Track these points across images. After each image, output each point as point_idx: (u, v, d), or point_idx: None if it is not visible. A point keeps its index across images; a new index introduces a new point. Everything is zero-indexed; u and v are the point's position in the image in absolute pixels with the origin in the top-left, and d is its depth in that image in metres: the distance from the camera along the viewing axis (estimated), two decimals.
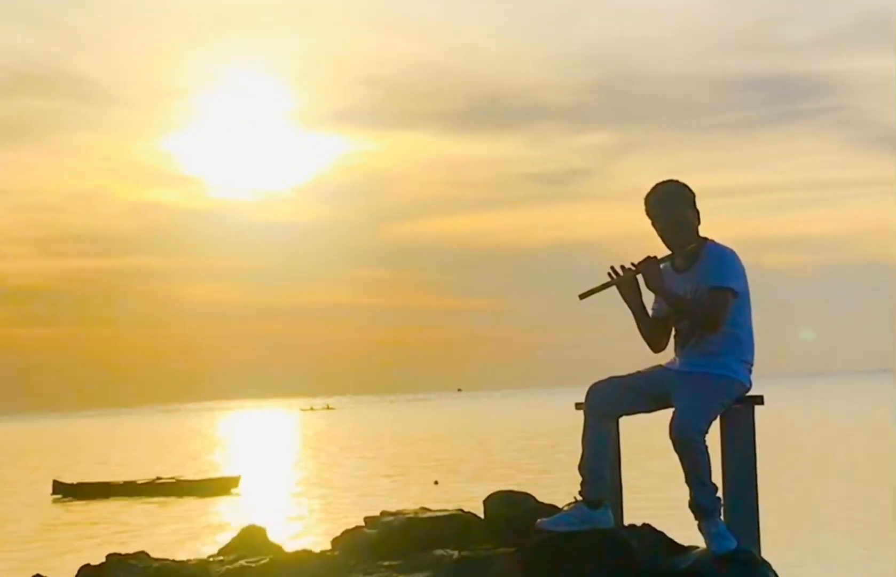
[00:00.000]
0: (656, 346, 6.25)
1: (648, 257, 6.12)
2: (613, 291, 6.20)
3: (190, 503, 27.37)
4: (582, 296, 6.21)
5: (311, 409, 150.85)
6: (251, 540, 7.04)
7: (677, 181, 6.20)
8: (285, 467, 41.06)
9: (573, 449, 6.25)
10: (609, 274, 6.17)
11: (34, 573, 7.09)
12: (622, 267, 6.16)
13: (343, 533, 6.81)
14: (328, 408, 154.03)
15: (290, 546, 7.33)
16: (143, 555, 7.18)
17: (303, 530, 20.68)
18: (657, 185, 6.20)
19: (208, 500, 28.04)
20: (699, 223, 6.18)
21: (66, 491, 30.64)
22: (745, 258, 6.14)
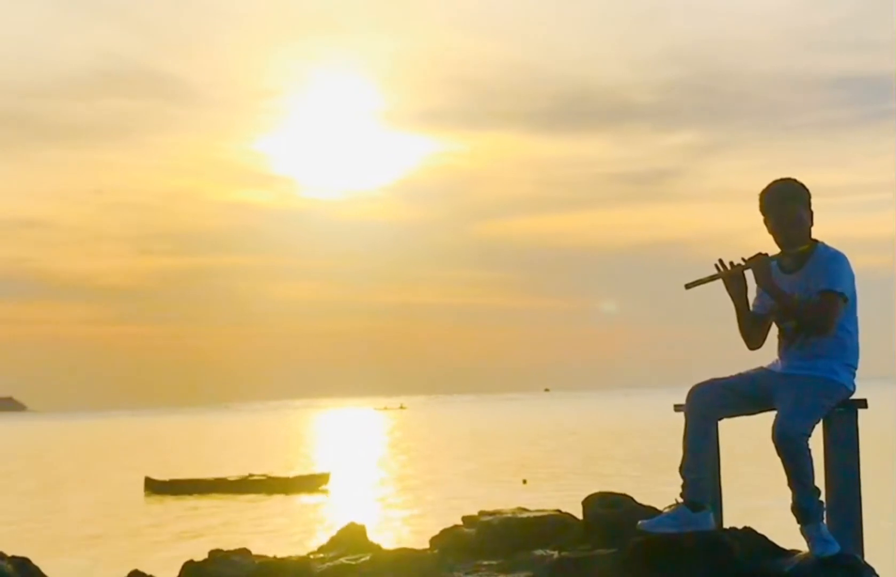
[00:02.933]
0: (753, 344, 6.22)
1: (760, 254, 6.09)
2: (716, 288, 6.17)
3: (281, 500, 27.65)
4: (688, 286, 6.19)
5: (385, 409, 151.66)
6: (351, 538, 7.10)
7: (794, 180, 6.15)
8: (372, 464, 41.28)
9: (670, 451, 6.23)
10: (716, 267, 6.14)
11: (131, 569, 7.21)
12: (731, 262, 6.14)
13: (441, 532, 6.85)
14: (402, 408, 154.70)
15: (387, 544, 7.39)
16: (244, 552, 7.28)
17: (398, 527, 20.78)
18: (774, 181, 6.16)
19: (299, 497, 28.30)
20: (812, 224, 6.13)
21: (158, 488, 31.09)
22: None
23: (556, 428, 67.53)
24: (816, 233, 6.13)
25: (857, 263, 6.15)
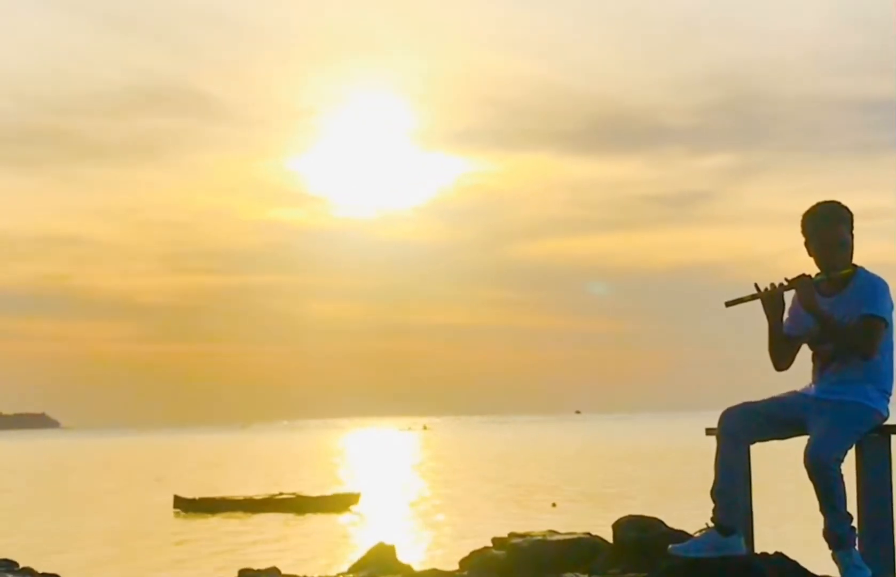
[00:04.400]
0: (782, 365, 6.19)
1: (803, 275, 6.06)
2: (748, 310, 6.15)
3: (311, 520, 27.65)
4: (728, 304, 6.17)
5: (409, 429, 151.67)
6: (381, 558, 7.12)
7: (838, 202, 6.13)
8: (402, 485, 41.24)
9: (701, 474, 6.21)
10: (756, 286, 6.12)
11: None
12: (771, 284, 6.11)
13: (471, 554, 6.85)
14: (425, 428, 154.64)
15: (417, 565, 7.38)
16: (274, 571, 7.31)
17: (427, 548, 20.76)
18: (818, 203, 6.14)
19: (329, 516, 28.29)
20: (853, 248, 6.10)
21: (187, 506, 31.12)
22: None
23: (587, 450, 67.33)
24: (856, 257, 6.11)
25: (893, 287, 6.12)
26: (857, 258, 6.11)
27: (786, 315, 6.19)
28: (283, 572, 7.59)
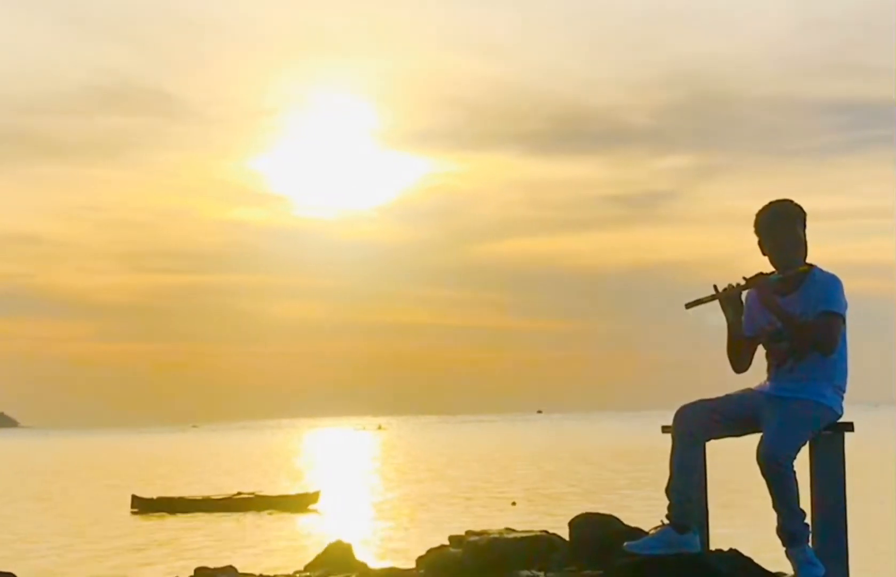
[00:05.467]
0: (741, 366, 6.22)
1: (760, 273, 6.10)
2: (707, 310, 6.18)
3: (270, 519, 27.55)
4: (688, 305, 6.20)
5: (364, 429, 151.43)
6: (337, 556, 7.11)
7: (791, 201, 6.16)
8: (362, 484, 41.20)
9: (658, 472, 6.23)
10: (715, 288, 6.15)
11: None
12: (729, 285, 6.14)
13: (428, 552, 6.85)
14: (380, 428, 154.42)
15: (373, 563, 7.37)
16: (230, 569, 7.28)
17: (384, 547, 20.74)
18: (771, 202, 6.17)
19: (288, 515, 28.21)
20: (807, 246, 6.13)
21: (144, 506, 30.92)
22: None
23: (548, 450, 67.45)
24: (814, 257, 6.15)
25: (852, 288, 6.17)
26: (819, 259, 6.15)
27: (743, 316, 6.21)
28: (240, 570, 7.55)
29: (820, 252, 6.22)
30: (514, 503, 29.52)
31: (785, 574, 5.95)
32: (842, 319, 5.99)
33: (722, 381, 6.27)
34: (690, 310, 6.20)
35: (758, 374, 6.24)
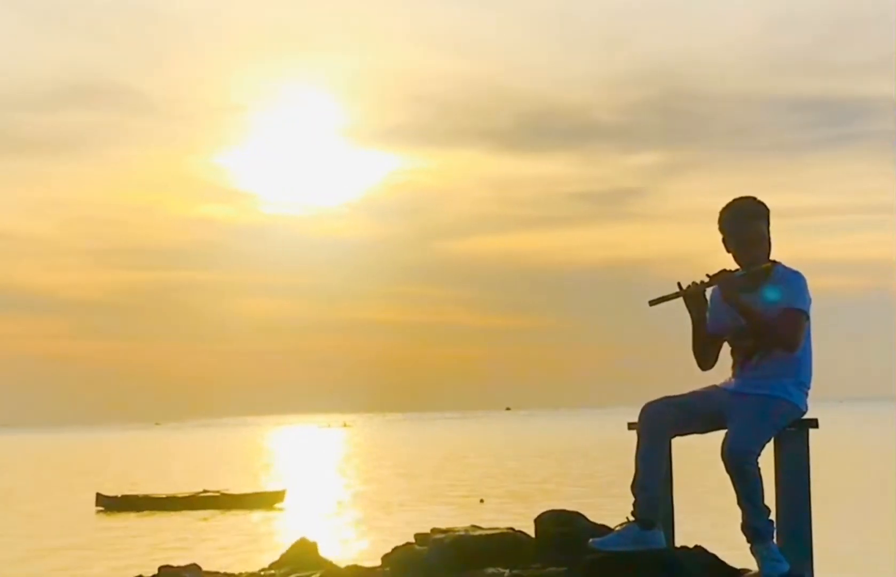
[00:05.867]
0: (706, 364, 6.23)
1: (724, 270, 6.10)
2: (673, 307, 6.18)
3: (235, 517, 27.48)
4: (652, 303, 6.20)
5: (329, 426, 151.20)
6: (302, 554, 7.07)
7: (754, 198, 6.17)
8: (328, 482, 41.14)
9: (625, 469, 6.23)
10: (679, 285, 6.15)
11: None
12: (693, 282, 6.14)
13: (393, 550, 6.82)
14: (345, 425, 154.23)
15: (339, 561, 7.34)
16: (194, 568, 7.23)
17: (351, 545, 20.71)
18: (734, 199, 6.18)
19: (254, 513, 28.15)
20: (771, 243, 6.14)
21: (109, 504, 30.78)
22: None
23: (516, 447, 67.56)
24: (781, 254, 6.16)
25: (819, 285, 6.17)
26: (788, 256, 6.16)
27: (707, 314, 6.21)
28: (205, 569, 7.50)
29: (789, 249, 6.23)
30: (481, 501, 29.56)
31: (750, 571, 5.96)
32: (805, 315, 6.00)
33: (688, 378, 6.28)
34: (654, 307, 6.20)
35: (724, 371, 6.25)
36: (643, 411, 6.08)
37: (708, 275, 6.13)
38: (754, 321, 6.00)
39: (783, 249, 6.18)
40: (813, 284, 6.08)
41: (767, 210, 6.16)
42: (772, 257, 6.14)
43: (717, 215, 6.21)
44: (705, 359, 6.23)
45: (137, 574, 7.02)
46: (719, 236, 6.19)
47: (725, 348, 6.24)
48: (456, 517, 21.97)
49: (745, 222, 6.10)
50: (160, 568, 7.33)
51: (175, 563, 7.63)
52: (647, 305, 6.20)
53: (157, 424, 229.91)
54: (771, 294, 6.02)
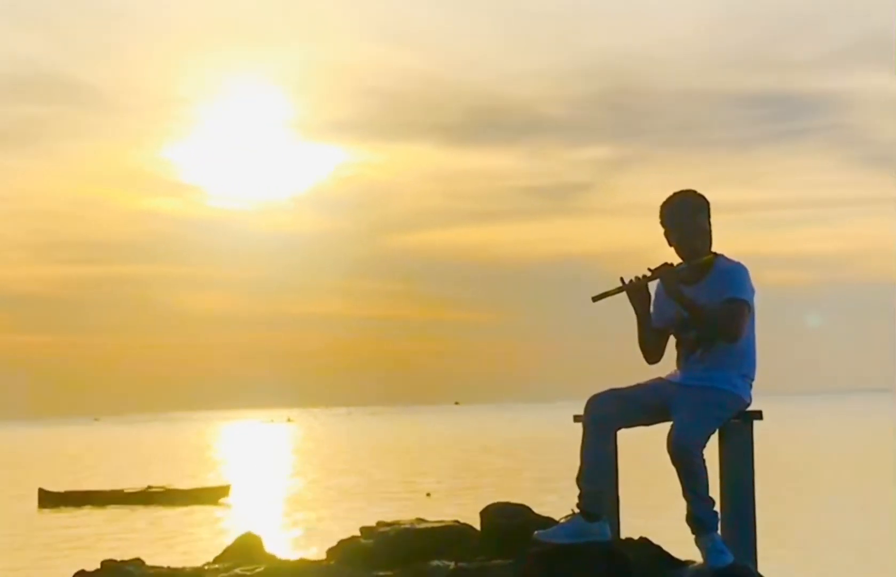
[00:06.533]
0: (653, 357, 6.25)
1: (665, 264, 6.12)
2: (619, 300, 6.20)
3: (181, 512, 27.32)
4: (595, 298, 6.22)
5: (272, 421, 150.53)
6: (246, 548, 7.00)
7: (695, 191, 6.20)
8: (275, 477, 41.00)
9: (571, 462, 6.23)
10: (622, 280, 6.17)
11: None
12: (636, 276, 6.16)
13: (339, 543, 6.78)
14: (289, 420, 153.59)
15: (284, 556, 7.29)
16: (138, 562, 7.15)
17: (297, 539, 20.65)
18: (675, 193, 6.20)
19: (199, 508, 27.99)
20: (712, 235, 6.17)
21: (52, 500, 30.47)
22: None
23: (464, 441, 67.66)
24: (729, 248, 6.19)
25: (767, 278, 6.21)
26: (734, 250, 6.19)
27: (652, 308, 6.24)
28: (148, 563, 7.43)
29: (736, 244, 6.27)
30: (428, 495, 29.57)
31: (694, 562, 5.98)
32: (747, 306, 6.03)
33: (635, 371, 6.29)
34: (598, 303, 6.22)
35: (670, 363, 6.27)
36: (588, 403, 6.08)
37: (650, 269, 6.15)
38: (696, 313, 6.03)
39: (731, 243, 6.21)
40: (760, 279, 6.11)
41: (708, 203, 6.19)
42: (714, 250, 6.17)
43: None
44: (651, 352, 6.25)
45: (80, 570, 6.90)
46: (661, 231, 6.22)
47: (672, 341, 6.27)
48: (402, 511, 21.96)
49: (685, 216, 6.12)
50: (103, 563, 7.25)
51: (118, 558, 7.55)
52: (591, 300, 6.22)
53: (95, 419, 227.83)
54: (712, 286, 6.05)
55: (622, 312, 6.24)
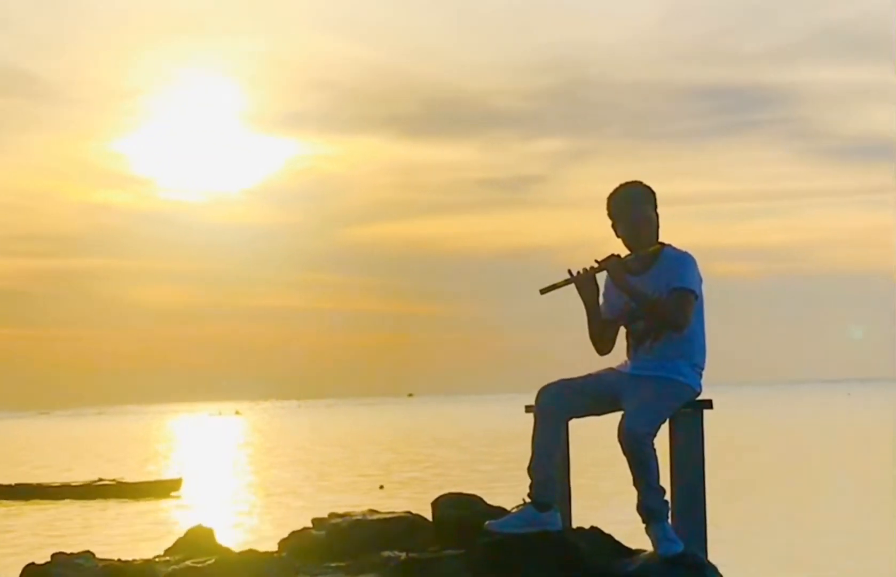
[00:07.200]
0: (604, 348, 6.29)
1: (612, 255, 6.15)
2: (569, 292, 6.23)
3: (131, 506, 27.15)
4: (543, 291, 6.25)
5: (220, 414, 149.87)
6: (198, 541, 6.98)
7: (640, 182, 6.24)
8: (227, 470, 40.84)
9: (523, 453, 6.26)
10: (570, 272, 6.20)
11: None
12: (585, 269, 6.19)
13: (290, 535, 6.77)
14: (237, 413, 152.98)
15: (236, 548, 7.27)
16: (88, 555, 7.11)
17: (249, 531, 20.58)
18: (621, 184, 6.24)
19: (150, 502, 27.83)
20: (659, 226, 6.21)
21: (1, 493, 30.20)
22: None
23: (417, 432, 67.69)
24: (681, 239, 6.23)
25: (719, 269, 6.27)
26: (685, 241, 6.22)
27: (601, 299, 6.27)
28: (99, 556, 7.39)
29: (689, 235, 6.32)
30: (381, 487, 29.55)
31: (645, 551, 6.02)
32: (694, 295, 6.07)
33: (591, 361, 6.32)
34: (546, 295, 6.24)
35: (622, 353, 6.30)
36: (540, 393, 6.11)
37: (597, 260, 6.18)
38: (643, 303, 6.07)
39: (684, 234, 6.27)
40: (713, 270, 6.17)
41: (654, 193, 6.23)
42: (664, 240, 6.21)
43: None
44: (602, 343, 6.28)
45: (30, 563, 6.85)
46: (609, 223, 6.26)
47: (623, 332, 6.30)
48: (355, 503, 21.95)
49: (632, 207, 6.16)
50: (53, 556, 7.20)
51: (69, 551, 7.50)
52: (539, 293, 6.25)
53: (42, 412, 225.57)
54: (659, 276, 6.09)
55: (574, 303, 6.28)
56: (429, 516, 6.66)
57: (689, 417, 6.17)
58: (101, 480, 30.96)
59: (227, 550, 6.94)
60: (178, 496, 29.07)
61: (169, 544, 7.30)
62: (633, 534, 6.28)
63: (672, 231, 6.26)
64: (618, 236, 6.24)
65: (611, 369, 6.25)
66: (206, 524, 7.39)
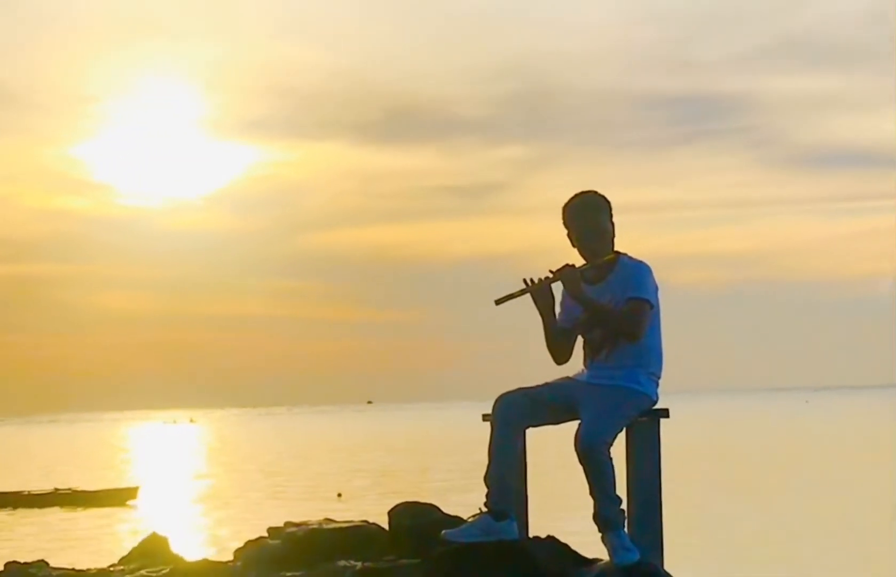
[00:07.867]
0: (561, 357, 6.28)
1: (567, 265, 6.16)
2: (526, 301, 6.23)
3: (88, 514, 26.96)
4: (498, 301, 6.24)
5: (175, 422, 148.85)
6: (153, 549, 6.94)
7: (595, 192, 6.24)
8: (184, 478, 40.61)
9: (480, 461, 6.25)
10: (525, 281, 6.20)
11: None
12: (540, 279, 6.19)
13: (246, 544, 6.73)
14: (192, 421, 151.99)
15: (191, 557, 7.23)
16: (42, 564, 7.05)
17: (204, 540, 20.47)
18: (576, 194, 6.24)
19: (106, 510, 27.64)
20: (614, 235, 6.23)
21: None
22: (656, 275, 6.18)
23: (376, 440, 67.57)
24: (643, 248, 6.25)
25: (678, 277, 6.28)
26: (648, 250, 6.23)
27: (558, 308, 6.28)
28: (53, 564, 7.33)
29: (648, 243, 6.36)
30: (339, 495, 29.49)
31: (601, 560, 6.02)
32: (649, 304, 6.08)
33: (548, 370, 6.32)
34: (501, 305, 6.24)
35: (580, 362, 6.31)
36: (497, 402, 6.10)
37: (551, 270, 6.18)
38: (598, 313, 6.08)
39: (644, 242, 6.30)
40: (673, 278, 6.21)
41: (609, 203, 6.24)
42: (620, 249, 6.23)
43: None
44: (559, 353, 6.28)
45: None
46: (564, 232, 6.27)
47: (580, 341, 6.31)
48: (312, 512, 21.86)
49: (586, 216, 6.17)
50: (6, 564, 7.14)
51: (23, 560, 7.43)
52: (494, 304, 6.25)
53: (49, 414, 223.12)
54: (615, 285, 6.11)
55: (532, 312, 6.27)
56: (385, 524, 6.65)
57: (646, 425, 6.17)
58: (57, 489, 30.74)
59: (182, 559, 6.90)
60: (134, 505, 28.89)
61: (124, 552, 7.25)
62: (590, 543, 6.28)
63: (632, 239, 6.29)
64: (573, 246, 6.24)
65: (568, 377, 6.24)
66: (162, 532, 7.35)
